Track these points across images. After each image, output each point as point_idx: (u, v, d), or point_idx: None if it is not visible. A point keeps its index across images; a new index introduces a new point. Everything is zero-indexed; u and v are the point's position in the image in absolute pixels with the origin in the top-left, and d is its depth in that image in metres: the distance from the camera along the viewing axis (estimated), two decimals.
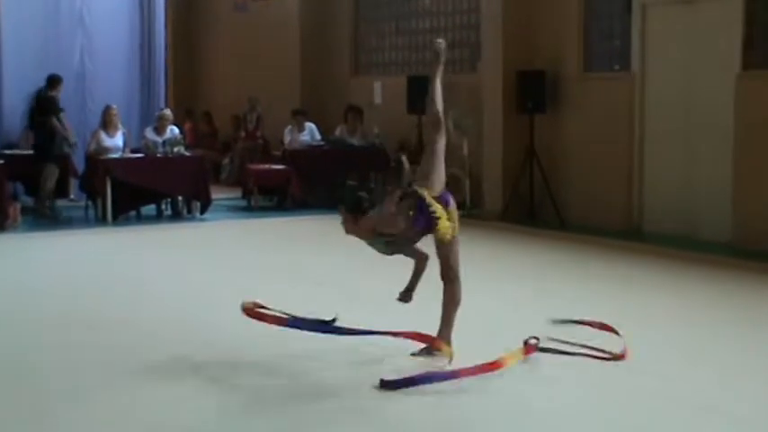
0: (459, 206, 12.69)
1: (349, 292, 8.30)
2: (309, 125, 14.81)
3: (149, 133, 13.21)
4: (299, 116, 14.87)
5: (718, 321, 7.43)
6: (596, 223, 11.76)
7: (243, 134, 16.91)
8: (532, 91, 12.36)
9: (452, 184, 13.86)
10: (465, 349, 6.07)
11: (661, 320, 7.43)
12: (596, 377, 5.93)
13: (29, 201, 13.67)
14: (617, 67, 11.94)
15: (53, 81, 13.23)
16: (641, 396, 5.57)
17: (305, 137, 14.67)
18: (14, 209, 12.10)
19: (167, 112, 13.66)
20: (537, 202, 12.44)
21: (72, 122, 14.47)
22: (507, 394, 5.56)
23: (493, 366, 5.75)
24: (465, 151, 13.35)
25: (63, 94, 14.40)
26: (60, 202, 13.84)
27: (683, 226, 11.01)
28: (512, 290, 8.52)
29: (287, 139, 14.64)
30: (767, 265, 9.34)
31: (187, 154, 13.32)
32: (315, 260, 10.02)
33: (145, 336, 6.93)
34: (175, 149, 13.05)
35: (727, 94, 10.36)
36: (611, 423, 5.16)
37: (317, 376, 5.89)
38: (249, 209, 14.14)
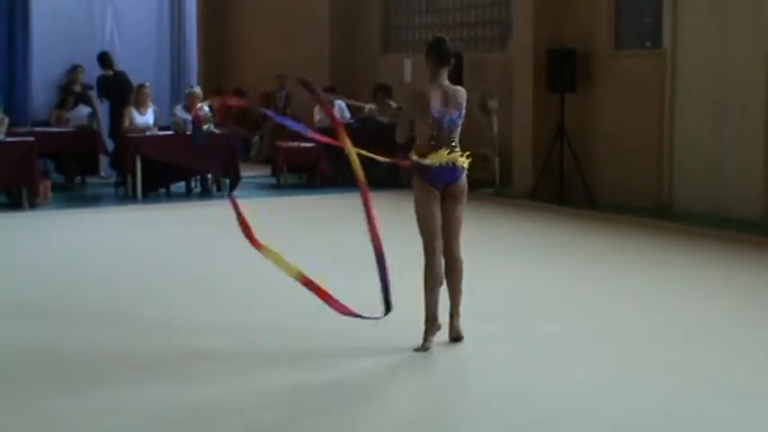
0: (489, 185, 12.68)
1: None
2: (339, 103, 14.79)
3: (179, 111, 13.23)
4: (329, 93, 14.84)
5: (749, 304, 7.37)
6: (627, 202, 11.69)
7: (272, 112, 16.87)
8: (563, 69, 12.26)
9: (482, 163, 13.93)
10: (485, 329, 6.06)
11: (691, 300, 7.39)
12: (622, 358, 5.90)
13: (59, 178, 13.76)
14: (648, 44, 11.83)
15: (107, 58, 13.98)
16: (672, 375, 5.54)
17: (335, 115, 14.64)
18: (45, 186, 12.18)
19: (197, 89, 13.68)
20: (567, 180, 12.37)
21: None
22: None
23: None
24: (495, 130, 13.29)
25: (94, 73, 14.53)
26: (90, 180, 13.92)
27: (714, 204, 10.92)
28: (539, 269, 8.49)
29: (317, 116, 14.61)
30: None
31: (216, 131, 13.34)
32: (342, 237, 10.02)
33: (170, 310, 6.97)
34: (205, 127, 13.06)
35: (759, 70, 10.24)
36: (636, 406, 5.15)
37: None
38: (278, 186, 14.15)
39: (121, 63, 14.79)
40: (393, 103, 6.60)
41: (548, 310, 7.01)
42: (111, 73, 14.27)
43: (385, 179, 14.51)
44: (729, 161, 10.80)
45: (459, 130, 6.11)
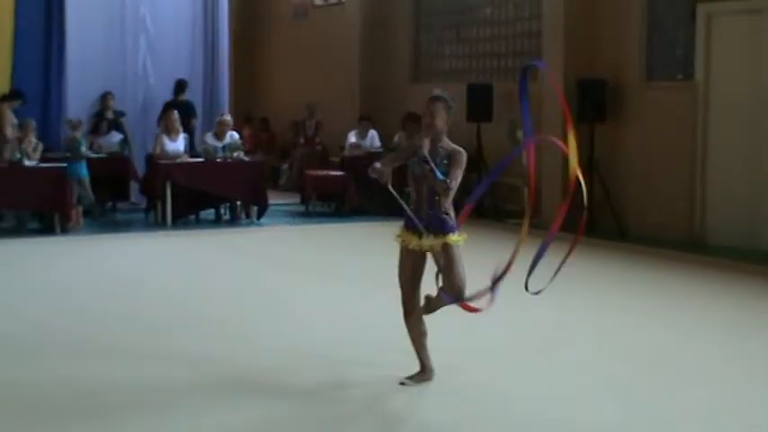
0: (517, 215, 12.65)
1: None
2: (372, 132, 14.85)
3: (209, 138, 13.32)
4: (365, 122, 14.92)
5: None
6: (657, 234, 11.61)
7: (302, 140, 16.98)
8: (593, 99, 12.24)
9: (511, 193, 13.91)
10: (514, 359, 6.02)
11: (727, 335, 7.32)
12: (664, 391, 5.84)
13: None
14: (680, 76, 11.79)
15: (182, 85, 14.41)
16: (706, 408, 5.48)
17: (366, 143, 14.69)
18: (77, 212, 12.27)
19: (227, 117, 13.77)
20: (597, 211, 12.31)
21: (134, 127, 14.69)
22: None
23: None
24: (524, 161, 13.25)
25: (126, 99, 14.67)
26: (121, 205, 14.01)
27: (747, 237, 10.83)
28: (570, 300, 8.44)
29: (350, 140, 14.65)
30: None
31: (246, 159, 13.39)
32: (369, 264, 10.02)
33: (201, 335, 6.97)
34: (234, 154, 13.14)
35: None
36: None
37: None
38: (307, 214, 14.18)
39: (154, 91, 14.92)
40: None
41: (579, 341, 6.95)
42: (178, 99, 14.54)
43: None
44: (764, 194, 10.71)
45: None
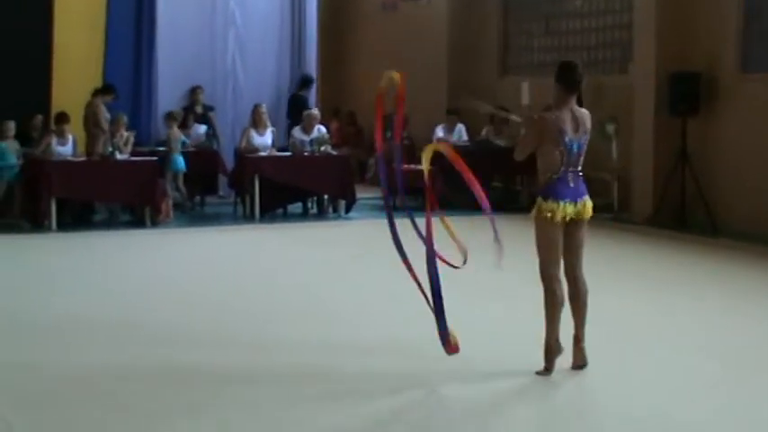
0: (608, 210, 12.44)
1: (482, 288, 8.22)
2: (460, 126, 14.77)
3: (297, 132, 13.38)
4: (452, 116, 14.85)
5: None
6: (752, 230, 11.29)
7: (389, 134, 16.94)
8: (686, 92, 11.97)
9: (601, 187, 13.69)
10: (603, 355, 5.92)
11: None
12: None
13: (180, 197, 14.04)
14: None
15: (307, 81, 14.80)
16: None
17: (453, 136, 14.62)
18: (167, 205, 12.43)
19: (315, 111, 13.82)
20: (688, 207, 12.05)
21: (224, 121, 14.84)
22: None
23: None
24: (614, 155, 13.06)
25: (216, 94, 14.85)
26: (209, 199, 14.16)
27: None
28: (656, 297, 8.27)
29: (438, 134, 14.58)
30: None
31: (333, 153, 13.42)
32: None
33: (287, 327, 7.00)
34: (322, 148, 13.18)
35: None
36: None
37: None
38: (394, 208, 14.11)
39: (242, 85, 15.04)
40: (515, 117, 6.48)
41: (671, 339, 6.80)
42: (303, 94, 14.90)
43: (502, 201, 14.39)
44: None
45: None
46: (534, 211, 5.90)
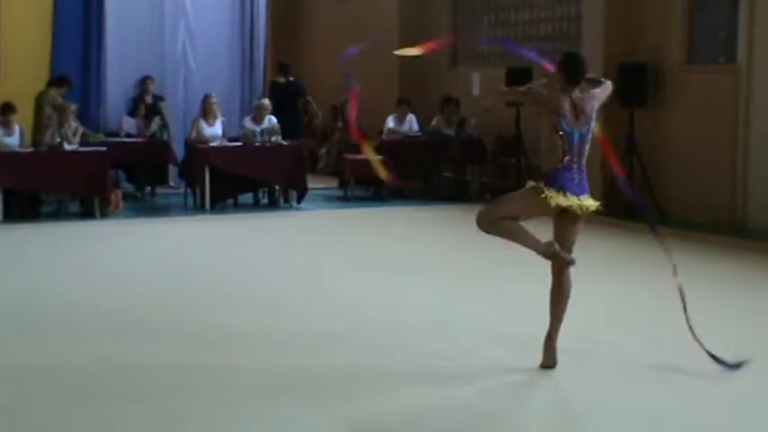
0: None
1: (435, 279, 8.27)
2: (410, 116, 14.80)
3: (248, 122, 13.34)
4: (404, 106, 14.88)
5: None
6: (698, 218, 11.48)
7: (340, 124, 16.96)
8: (634, 84, 12.12)
9: None
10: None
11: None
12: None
13: (130, 187, 13.95)
14: (722, 59, 11.64)
15: (284, 66, 14.99)
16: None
17: (404, 127, 14.65)
18: (116, 195, 12.34)
19: (265, 101, 13.78)
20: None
21: (174, 111, 14.74)
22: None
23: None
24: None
25: (166, 83, 14.74)
26: (159, 189, 14.08)
27: None
28: (609, 284, 8.38)
29: (389, 124, 14.62)
30: None
31: (284, 143, 13.41)
32: (407, 250, 10.00)
33: (237, 316, 7.00)
34: (273, 138, 13.16)
35: None
36: None
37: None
38: (345, 198, 14.18)
39: (193, 75, 14.95)
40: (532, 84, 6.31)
41: (626, 328, 6.90)
42: (282, 81, 14.82)
43: (452, 193, 14.52)
44: None
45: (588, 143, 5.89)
46: (531, 184, 5.80)
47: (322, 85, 19.23)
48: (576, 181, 5.78)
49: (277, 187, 13.53)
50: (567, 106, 5.74)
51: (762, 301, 7.82)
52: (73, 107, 12.61)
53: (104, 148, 12.36)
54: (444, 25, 16.64)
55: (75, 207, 12.55)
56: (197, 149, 12.81)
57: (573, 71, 5.77)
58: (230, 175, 12.85)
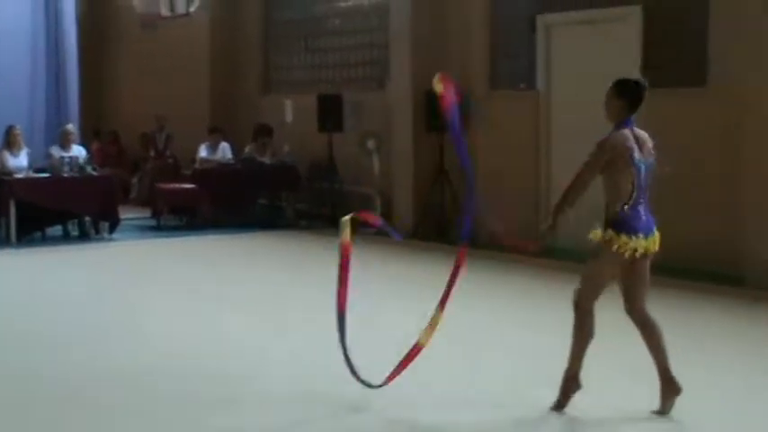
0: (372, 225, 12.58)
1: (255, 310, 8.29)
2: (224, 144, 14.74)
3: (54, 150, 13.00)
4: (216, 134, 14.80)
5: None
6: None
7: (152, 153, 16.74)
8: (441, 109, 12.43)
9: (364, 202, 14.05)
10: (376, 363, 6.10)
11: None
12: None
13: None
14: (522, 85, 12.14)
15: None
16: None
17: (218, 155, 14.58)
18: None
19: (70, 126, 13.49)
20: (448, 219, 12.54)
21: None
22: None
23: (415, 352, 5.71)
24: (375, 170, 13.46)
25: None
26: None
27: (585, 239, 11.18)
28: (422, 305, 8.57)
29: (202, 153, 14.52)
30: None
31: (94, 173, 13.12)
32: (221, 278, 9.97)
33: (54, 353, 6.83)
34: (82, 168, 12.84)
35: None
36: None
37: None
38: (159, 228, 13.98)
39: None
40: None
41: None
42: None
43: (267, 219, 14.54)
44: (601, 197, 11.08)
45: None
46: (602, 240, 5.45)
47: (132, 113, 18.94)
48: (645, 218, 5.46)
49: (87, 219, 13.20)
50: (631, 137, 5.47)
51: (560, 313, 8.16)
52: None
53: None
54: (256, 52, 16.69)
55: None
56: (1, 182, 12.38)
57: (635, 96, 5.53)
58: (38, 208, 12.48)
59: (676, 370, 5.48)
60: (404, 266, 10.89)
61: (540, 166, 11.79)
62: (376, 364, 5.85)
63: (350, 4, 14.87)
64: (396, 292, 9.29)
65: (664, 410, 5.47)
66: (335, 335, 5.65)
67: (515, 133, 12.04)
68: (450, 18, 12.80)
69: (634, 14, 10.67)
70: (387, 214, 13.31)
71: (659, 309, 5.68)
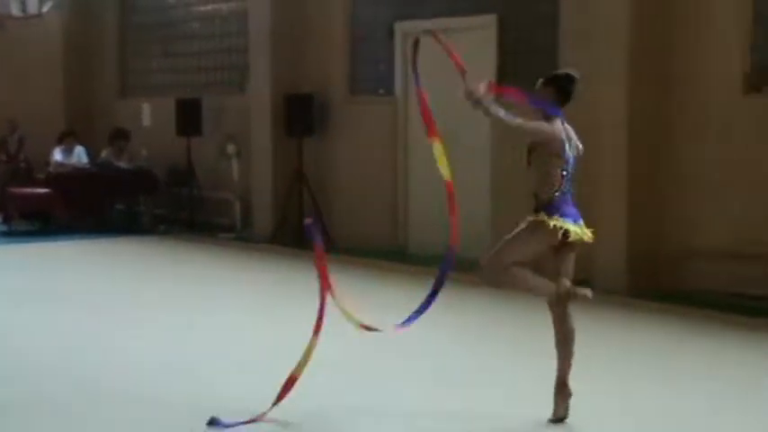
0: (230, 229, 12.71)
1: (113, 314, 8.18)
2: (79, 148, 14.43)
3: None
4: (70, 138, 14.48)
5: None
6: (363, 245, 11.95)
7: (4, 157, 16.26)
8: (300, 114, 12.52)
9: (223, 207, 14.00)
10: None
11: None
12: None
13: None
14: (381, 91, 12.27)
15: None
16: None
17: (73, 159, 14.27)
18: None
19: None
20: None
21: None
22: None
23: (290, 383, 5.58)
24: (234, 174, 13.40)
25: None
26: None
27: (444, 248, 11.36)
28: (290, 311, 8.61)
29: (56, 157, 14.19)
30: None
31: None
32: (76, 284, 9.79)
33: None
34: None
35: (483, 119, 10.79)
36: None
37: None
38: (10, 234, 13.60)
39: None
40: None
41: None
42: None
43: (124, 225, 14.32)
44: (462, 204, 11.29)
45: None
46: (533, 218, 5.47)
47: None
48: (572, 206, 5.53)
49: None
50: (562, 129, 5.52)
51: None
52: None
53: None
54: (112, 55, 16.41)
55: None
56: None
57: (567, 91, 5.55)
58: None
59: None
60: (260, 271, 10.87)
61: (398, 171, 11.92)
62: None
63: (209, 8, 14.76)
64: (252, 296, 9.27)
65: (558, 416, 5.48)
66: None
67: (375, 138, 12.15)
68: (310, 24, 12.85)
69: (490, 23, 10.94)
70: (247, 219, 13.30)
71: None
